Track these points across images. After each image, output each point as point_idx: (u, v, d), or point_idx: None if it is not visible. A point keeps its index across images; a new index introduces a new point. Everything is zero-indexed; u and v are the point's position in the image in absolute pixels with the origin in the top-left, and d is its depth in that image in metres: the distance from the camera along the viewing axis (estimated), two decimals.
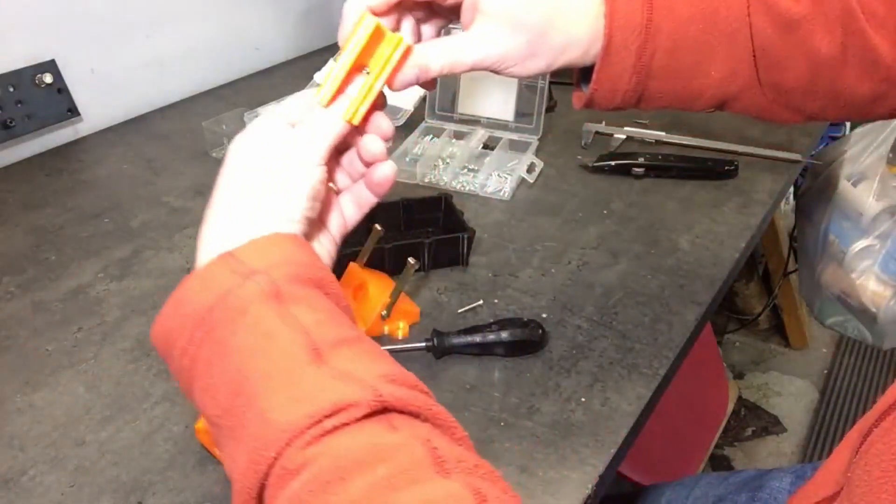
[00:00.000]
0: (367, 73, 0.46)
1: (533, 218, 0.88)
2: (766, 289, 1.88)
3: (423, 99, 1.07)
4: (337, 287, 0.42)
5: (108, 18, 1.08)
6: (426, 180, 0.95)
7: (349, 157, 0.50)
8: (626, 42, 0.48)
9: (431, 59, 0.47)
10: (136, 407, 0.63)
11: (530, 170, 0.96)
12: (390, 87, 0.48)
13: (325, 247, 0.48)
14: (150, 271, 0.80)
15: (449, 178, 0.95)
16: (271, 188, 0.42)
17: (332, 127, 0.45)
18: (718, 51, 0.49)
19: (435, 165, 0.98)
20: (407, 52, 0.46)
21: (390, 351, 0.68)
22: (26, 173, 0.99)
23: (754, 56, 0.50)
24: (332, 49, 1.25)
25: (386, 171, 0.47)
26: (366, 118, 0.47)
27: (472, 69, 0.49)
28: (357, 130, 0.47)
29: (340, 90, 0.46)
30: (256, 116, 1.02)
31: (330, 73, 0.45)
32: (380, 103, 0.47)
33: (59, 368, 0.67)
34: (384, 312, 0.67)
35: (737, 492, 0.75)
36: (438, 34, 0.53)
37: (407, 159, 0.99)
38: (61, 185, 0.96)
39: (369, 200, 0.49)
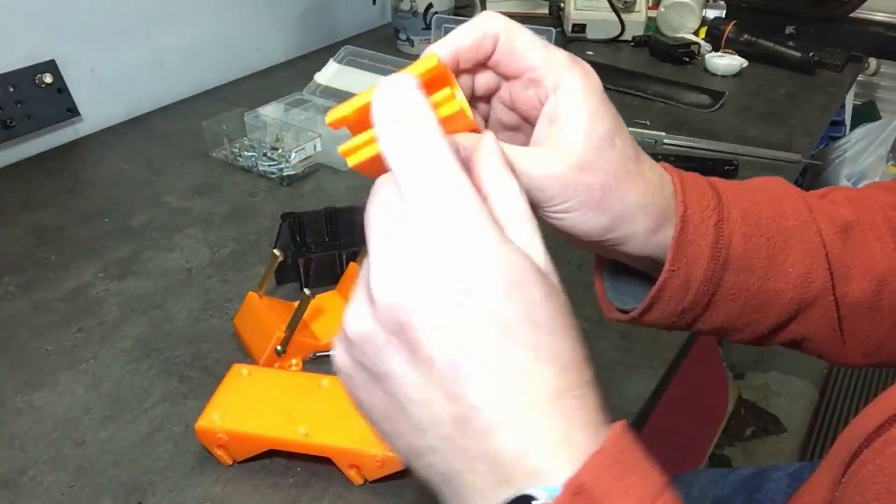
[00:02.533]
0: None
1: None
2: None
3: None
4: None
5: (108, 18, 1.08)
6: None
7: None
8: (702, 215, 0.41)
9: (481, 147, 0.34)
10: (136, 407, 0.63)
11: None
12: None
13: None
14: (150, 271, 0.80)
15: None
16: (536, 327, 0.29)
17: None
18: (793, 244, 0.44)
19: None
20: (458, 114, 0.35)
21: None
22: (26, 173, 0.99)
23: (826, 256, 0.44)
24: (332, 49, 1.25)
25: None
26: (369, 168, 0.35)
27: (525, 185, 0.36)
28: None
29: (356, 121, 0.36)
30: (256, 116, 1.02)
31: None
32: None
33: (59, 368, 0.67)
34: None
35: (734, 493, 0.75)
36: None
37: None
38: (61, 185, 0.96)
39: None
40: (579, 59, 0.39)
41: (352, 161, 0.35)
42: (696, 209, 0.42)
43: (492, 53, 0.39)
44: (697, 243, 0.42)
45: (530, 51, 0.38)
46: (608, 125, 0.38)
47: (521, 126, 0.42)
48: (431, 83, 0.36)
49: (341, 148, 0.36)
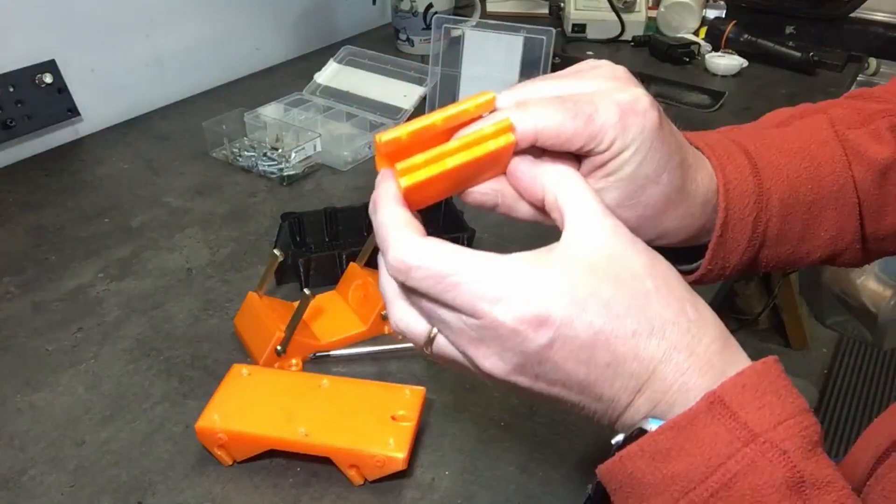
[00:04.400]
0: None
1: None
2: (766, 289, 1.88)
3: (423, 99, 1.07)
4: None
5: (108, 18, 1.08)
6: None
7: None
8: (742, 216, 0.44)
9: (546, 176, 0.37)
10: (136, 407, 0.63)
11: None
12: (465, 181, 0.38)
13: None
14: (150, 271, 0.80)
15: None
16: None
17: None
18: (827, 211, 0.47)
19: None
20: (510, 147, 0.36)
21: (390, 351, 0.68)
22: (26, 173, 0.99)
23: (860, 211, 0.47)
24: (332, 49, 1.25)
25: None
26: (419, 194, 0.36)
27: None
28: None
29: (408, 146, 0.36)
30: (256, 116, 1.02)
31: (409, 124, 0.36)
32: (441, 188, 0.37)
33: (59, 368, 0.67)
34: (384, 312, 0.67)
35: None
36: None
37: None
38: (61, 185, 0.96)
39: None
40: (634, 105, 0.37)
41: (407, 181, 0.35)
42: (736, 210, 0.44)
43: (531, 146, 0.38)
44: (735, 239, 0.45)
45: (572, 134, 0.37)
46: (656, 167, 0.39)
47: None
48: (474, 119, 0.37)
49: (400, 165, 0.35)
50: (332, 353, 0.67)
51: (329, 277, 0.75)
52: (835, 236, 0.48)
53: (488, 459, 0.58)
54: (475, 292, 0.32)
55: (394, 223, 0.34)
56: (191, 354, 0.68)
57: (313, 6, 1.40)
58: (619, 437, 0.35)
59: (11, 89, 0.97)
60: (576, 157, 0.39)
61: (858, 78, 1.54)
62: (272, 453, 0.57)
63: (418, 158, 0.35)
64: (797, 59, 1.34)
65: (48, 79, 1.01)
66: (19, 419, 0.62)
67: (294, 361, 0.66)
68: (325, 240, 0.81)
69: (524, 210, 0.39)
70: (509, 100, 0.38)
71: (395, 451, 0.54)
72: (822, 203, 0.46)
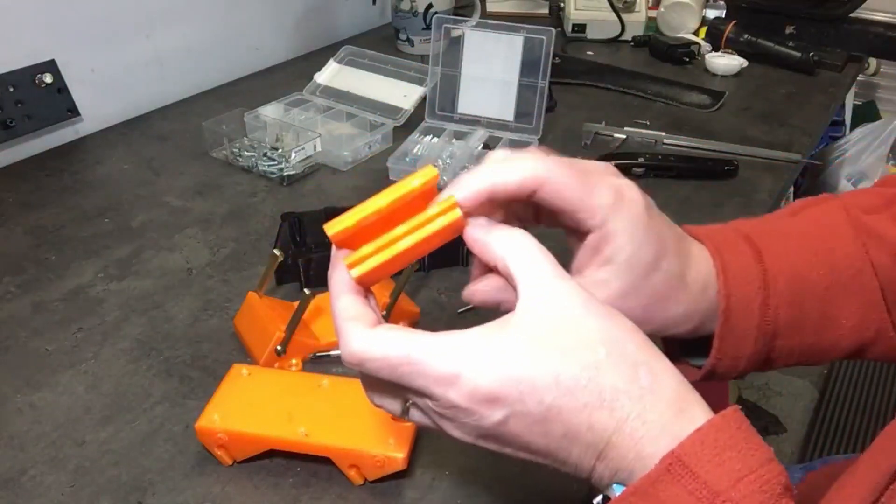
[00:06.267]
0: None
1: None
2: None
3: (423, 99, 1.07)
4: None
5: (108, 18, 1.08)
6: None
7: None
8: (746, 301, 0.43)
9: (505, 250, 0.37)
10: (136, 407, 0.63)
11: None
12: (417, 256, 0.39)
13: None
14: (150, 271, 0.80)
15: (449, 178, 0.95)
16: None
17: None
18: (845, 296, 0.44)
19: (435, 165, 0.98)
20: (456, 224, 0.37)
21: None
22: (26, 173, 0.99)
23: (884, 296, 0.45)
24: (332, 49, 1.24)
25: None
26: (371, 277, 0.37)
27: None
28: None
29: (357, 232, 0.37)
30: (256, 116, 1.02)
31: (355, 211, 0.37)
32: (393, 267, 0.38)
33: (59, 368, 0.67)
34: (384, 313, 0.67)
35: None
36: None
37: (407, 159, 0.99)
38: (61, 185, 0.96)
39: None
40: (625, 191, 0.39)
41: (358, 272, 0.37)
42: (739, 296, 0.43)
43: (531, 195, 0.38)
44: (742, 327, 0.43)
45: (574, 195, 0.38)
46: (654, 253, 0.39)
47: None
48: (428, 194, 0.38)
49: (348, 259, 0.37)
50: (332, 353, 0.67)
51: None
52: (858, 324, 0.45)
53: (488, 459, 0.57)
54: (428, 377, 0.33)
55: (344, 315, 0.36)
56: (191, 354, 0.68)
57: (313, 6, 1.40)
58: (599, 499, 0.36)
59: (11, 89, 0.97)
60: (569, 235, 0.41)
61: (858, 78, 1.54)
62: (272, 453, 0.57)
63: (366, 249, 0.37)
64: (797, 59, 1.34)
65: (48, 79, 1.01)
66: (19, 419, 0.62)
67: (294, 361, 0.66)
68: (325, 240, 0.81)
69: None
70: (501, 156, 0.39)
71: (395, 451, 0.54)
72: (838, 289, 0.44)
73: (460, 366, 0.33)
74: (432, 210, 0.37)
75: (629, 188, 0.39)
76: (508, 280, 0.37)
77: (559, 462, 0.35)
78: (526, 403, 0.33)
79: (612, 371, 0.33)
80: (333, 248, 0.39)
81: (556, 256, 0.38)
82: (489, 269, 0.40)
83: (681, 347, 0.48)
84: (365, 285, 0.38)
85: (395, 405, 0.37)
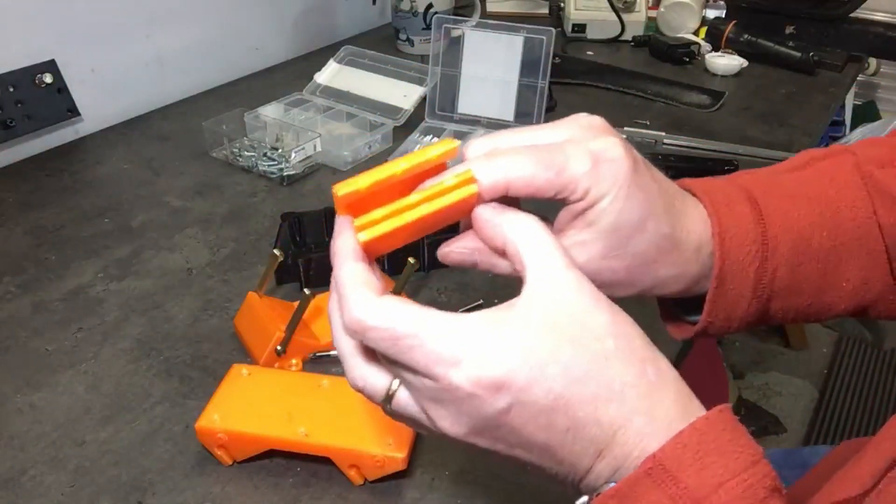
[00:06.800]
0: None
1: None
2: None
3: (423, 99, 1.07)
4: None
5: (108, 18, 1.08)
6: None
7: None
8: (742, 265, 0.42)
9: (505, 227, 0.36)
10: (136, 407, 0.63)
11: None
12: (426, 230, 0.37)
13: None
14: (150, 271, 0.80)
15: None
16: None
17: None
18: (848, 259, 0.43)
19: None
20: (472, 198, 0.35)
21: None
22: (26, 173, 0.99)
23: (888, 258, 0.44)
24: (332, 49, 1.25)
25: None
26: (377, 246, 0.36)
27: None
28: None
29: (367, 197, 0.35)
30: (256, 116, 1.02)
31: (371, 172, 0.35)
32: (401, 238, 0.36)
33: (59, 368, 0.67)
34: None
35: None
36: None
37: None
38: (61, 185, 0.96)
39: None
40: (603, 153, 0.37)
41: (366, 236, 0.35)
42: (734, 259, 0.41)
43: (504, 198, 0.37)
44: (736, 290, 0.42)
45: (545, 183, 0.37)
46: (638, 214, 0.38)
47: None
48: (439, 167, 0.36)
49: (358, 221, 0.35)
50: (332, 353, 0.67)
51: (329, 277, 0.74)
52: (860, 286, 0.44)
53: (488, 459, 0.57)
54: (432, 354, 0.32)
55: (351, 281, 0.34)
56: (191, 354, 0.68)
57: (313, 6, 1.40)
58: (584, 499, 0.34)
59: (11, 89, 0.97)
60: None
61: (858, 78, 1.54)
62: (272, 453, 0.57)
63: (377, 213, 0.34)
64: (797, 59, 1.34)
65: (48, 79, 1.01)
66: (19, 419, 0.62)
67: (294, 361, 0.66)
68: (325, 240, 0.81)
69: (504, 266, 0.38)
70: (479, 149, 0.37)
71: (395, 451, 0.54)
72: (841, 250, 0.43)
73: (469, 346, 0.31)
74: (449, 181, 0.35)
75: (610, 148, 0.37)
76: (515, 264, 0.36)
77: (555, 461, 0.33)
78: (533, 392, 0.31)
79: (620, 364, 0.32)
80: (338, 215, 0.36)
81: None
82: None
83: (675, 302, 0.47)
84: (369, 255, 0.36)
85: (379, 385, 0.35)
